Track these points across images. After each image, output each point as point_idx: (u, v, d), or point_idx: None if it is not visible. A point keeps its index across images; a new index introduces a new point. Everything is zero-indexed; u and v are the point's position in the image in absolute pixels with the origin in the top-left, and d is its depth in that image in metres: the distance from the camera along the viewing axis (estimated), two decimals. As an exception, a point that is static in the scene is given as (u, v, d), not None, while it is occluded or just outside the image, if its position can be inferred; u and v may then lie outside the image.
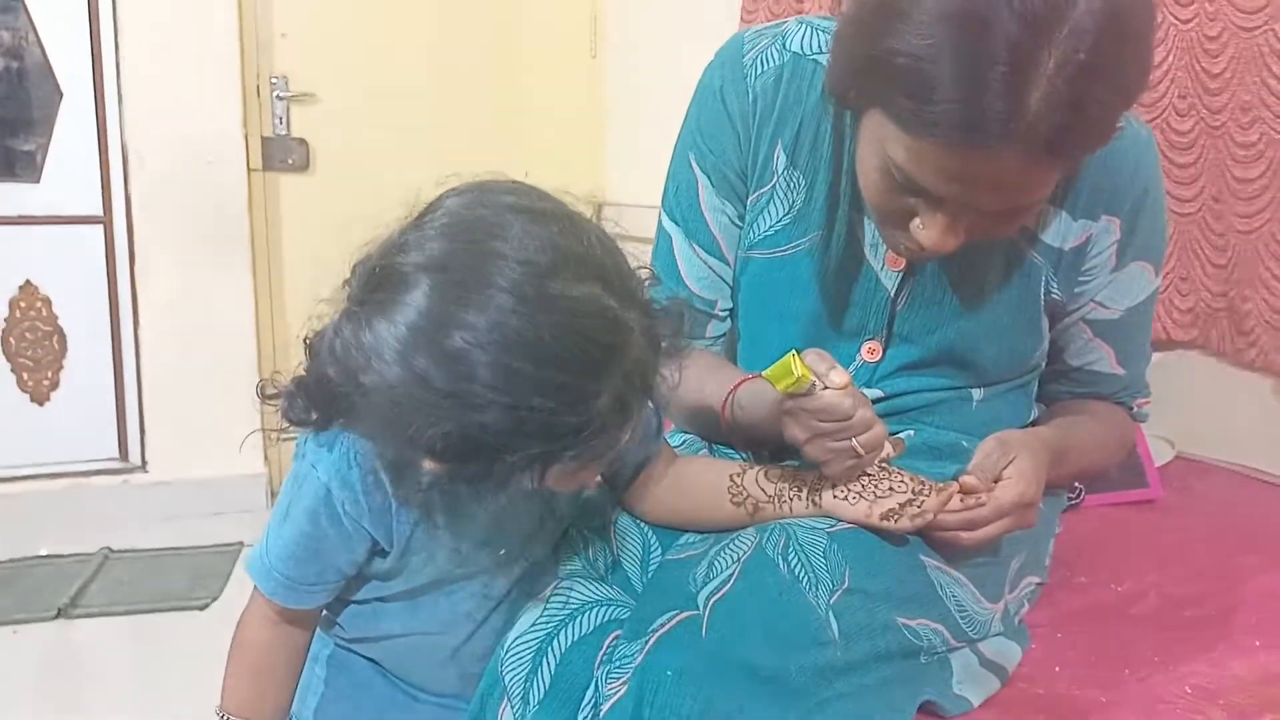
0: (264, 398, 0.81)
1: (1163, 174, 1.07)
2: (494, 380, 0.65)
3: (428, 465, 0.71)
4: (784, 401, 0.87)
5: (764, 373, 0.86)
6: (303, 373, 0.78)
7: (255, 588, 0.89)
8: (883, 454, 0.90)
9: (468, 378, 0.65)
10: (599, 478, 0.89)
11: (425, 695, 0.97)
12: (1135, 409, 1.16)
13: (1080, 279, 1.04)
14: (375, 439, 0.76)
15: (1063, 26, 0.73)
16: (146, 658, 2.04)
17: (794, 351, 0.84)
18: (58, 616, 2.24)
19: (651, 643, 0.79)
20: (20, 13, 2.68)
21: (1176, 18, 1.61)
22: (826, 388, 0.85)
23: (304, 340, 0.77)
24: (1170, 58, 1.62)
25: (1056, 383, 1.15)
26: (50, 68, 2.71)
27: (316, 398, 0.76)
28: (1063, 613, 1.13)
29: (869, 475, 0.92)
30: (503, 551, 0.91)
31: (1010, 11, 0.73)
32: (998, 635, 1.00)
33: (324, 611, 0.94)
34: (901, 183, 0.85)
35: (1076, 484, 1.44)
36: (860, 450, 0.87)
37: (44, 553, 2.59)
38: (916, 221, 0.88)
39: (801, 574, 0.84)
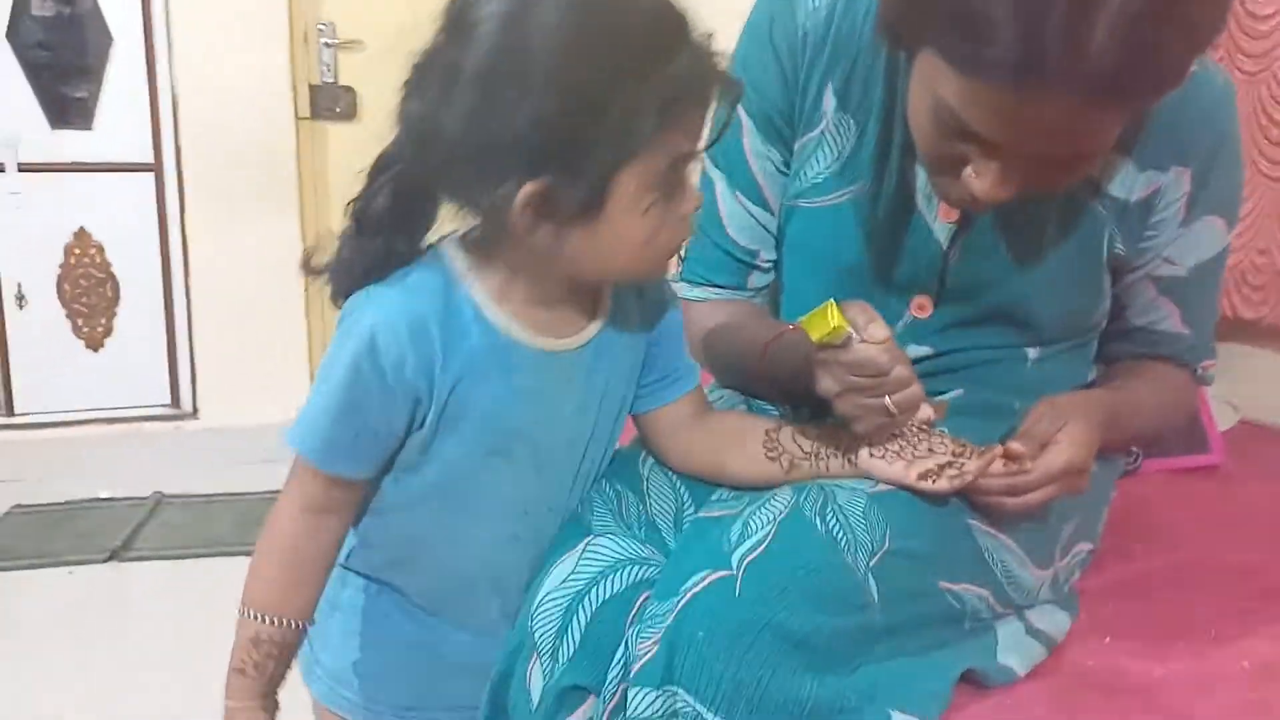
0: (312, 271, 0.83)
1: (1240, 125, 1.01)
2: (578, 39, 0.71)
3: (526, 191, 0.72)
4: (818, 352, 0.84)
5: (800, 320, 0.82)
6: (356, 217, 0.81)
7: (287, 482, 0.86)
8: (921, 416, 0.86)
9: (554, 45, 0.70)
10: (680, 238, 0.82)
11: (463, 634, 0.93)
12: (1200, 371, 1.10)
13: (1146, 233, 0.98)
14: (467, 185, 0.76)
15: None
16: (196, 602, 2.08)
17: (831, 301, 0.81)
18: (110, 559, 2.29)
19: (683, 602, 0.77)
20: (72, -42, 2.69)
21: None
22: (864, 341, 0.81)
23: (369, 172, 0.81)
24: None
25: (1117, 342, 1.10)
26: (101, 13, 2.72)
27: (384, 221, 0.79)
28: (1115, 581, 1.10)
29: (906, 436, 0.88)
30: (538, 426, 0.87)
31: None
32: (1046, 603, 0.97)
33: (359, 529, 0.91)
34: (954, 128, 0.81)
35: (1134, 448, 1.39)
36: (893, 409, 0.83)
37: (101, 495, 2.64)
38: (969, 170, 0.83)
39: (840, 535, 0.81)
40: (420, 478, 0.86)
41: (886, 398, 0.83)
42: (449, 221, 0.82)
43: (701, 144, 0.80)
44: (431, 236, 0.84)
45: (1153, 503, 1.34)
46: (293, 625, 0.87)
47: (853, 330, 0.81)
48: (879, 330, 0.81)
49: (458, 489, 0.87)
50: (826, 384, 0.85)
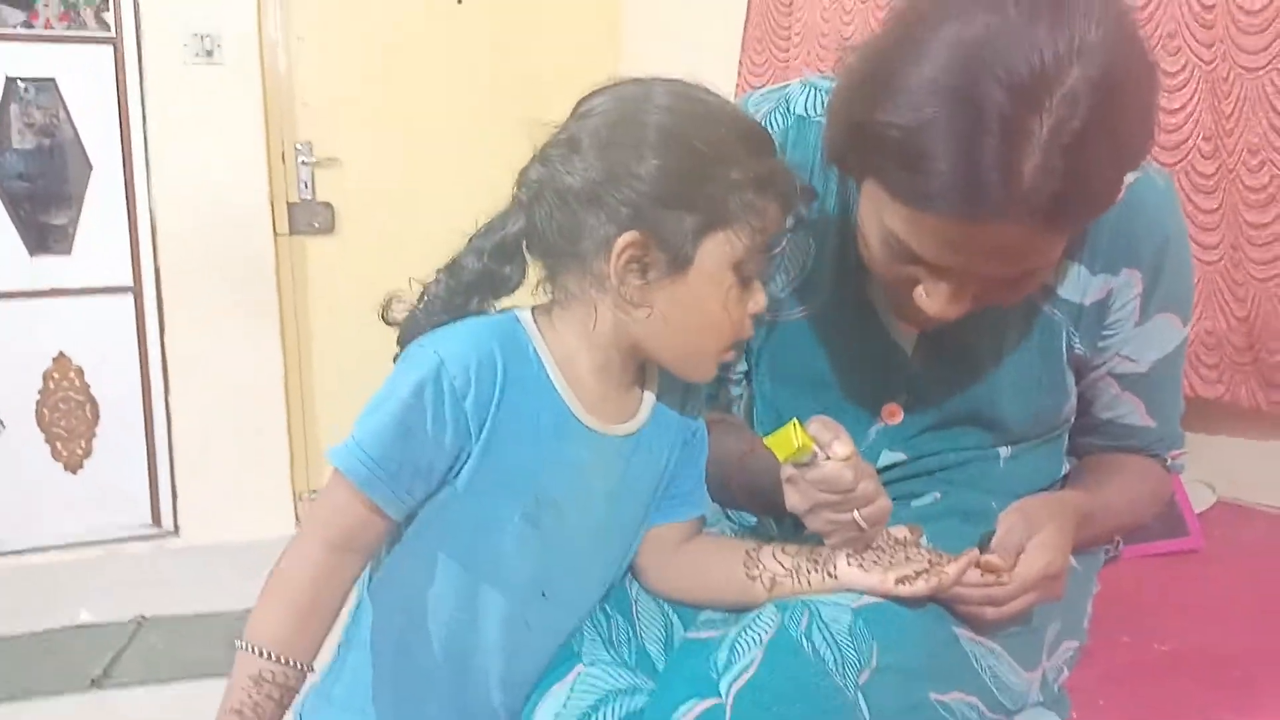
0: (388, 321, 0.90)
1: (1184, 224, 1.05)
2: (687, 119, 0.83)
3: (626, 239, 0.81)
4: (785, 469, 0.86)
5: (765, 440, 0.84)
6: (449, 272, 0.89)
7: (308, 520, 0.85)
8: (896, 537, 0.88)
9: (665, 121, 0.82)
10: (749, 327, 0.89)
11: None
12: (1170, 461, 1.12)
13: (1104, 333, 1.02)
14: (572, 234, 0.84)
15: (1054, 94, 0.72)
16: (180, 729, 2.03)
17: (794, 421, 0.83)
18: (92, 687, 2.24)
19: (673, 734, 0.77)
20: (52, 91, 2.74)
21: (1199, 59, 1.59)
22: (829, 458, 0.83)
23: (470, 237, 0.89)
24: (1194, 100, 1.60)
25: (1086, 436, 1.12)
26: (81, 143, 2.77)
27: (473, 280, 0.88)
28: (1105, 675, 1.10)
29: (883, 547, 0.90)
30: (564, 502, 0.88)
31: (996, 82, 0.72)
32: (1036, 705, 0.97)
33: (371, 589, 0.90)
34: (902, 252, 0.84)
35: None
36: (862, 523, 0.85)
37: (82, 620, 2.59)
38: (920, 289, 0.87)
39: (827, 654, 0.81)
40: (450, 530, 0.86)
41: (855, 512, 0.85)
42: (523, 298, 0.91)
43: (778, 240, 0.87)
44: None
45: (1136, 591, 1.35)
46: (298, 666, 0.84)
47: (817, 448, 0.83)
48: (843, 448, 0.83)
49: (484, 549, 0.87)
50: (794, 500, 0.87)
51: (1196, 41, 1.58)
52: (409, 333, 0.89)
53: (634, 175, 0.81)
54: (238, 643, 0.84)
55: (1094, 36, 0.73)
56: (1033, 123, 0.72)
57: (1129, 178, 0.95)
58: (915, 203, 0.78)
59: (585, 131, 0.84)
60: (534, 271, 0.90)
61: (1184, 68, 1.58)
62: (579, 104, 0.87)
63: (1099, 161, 0.75)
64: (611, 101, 0.85)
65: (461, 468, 0.84)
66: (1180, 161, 1.61)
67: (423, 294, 0.89)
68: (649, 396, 0.93)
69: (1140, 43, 0.79)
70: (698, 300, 0.84)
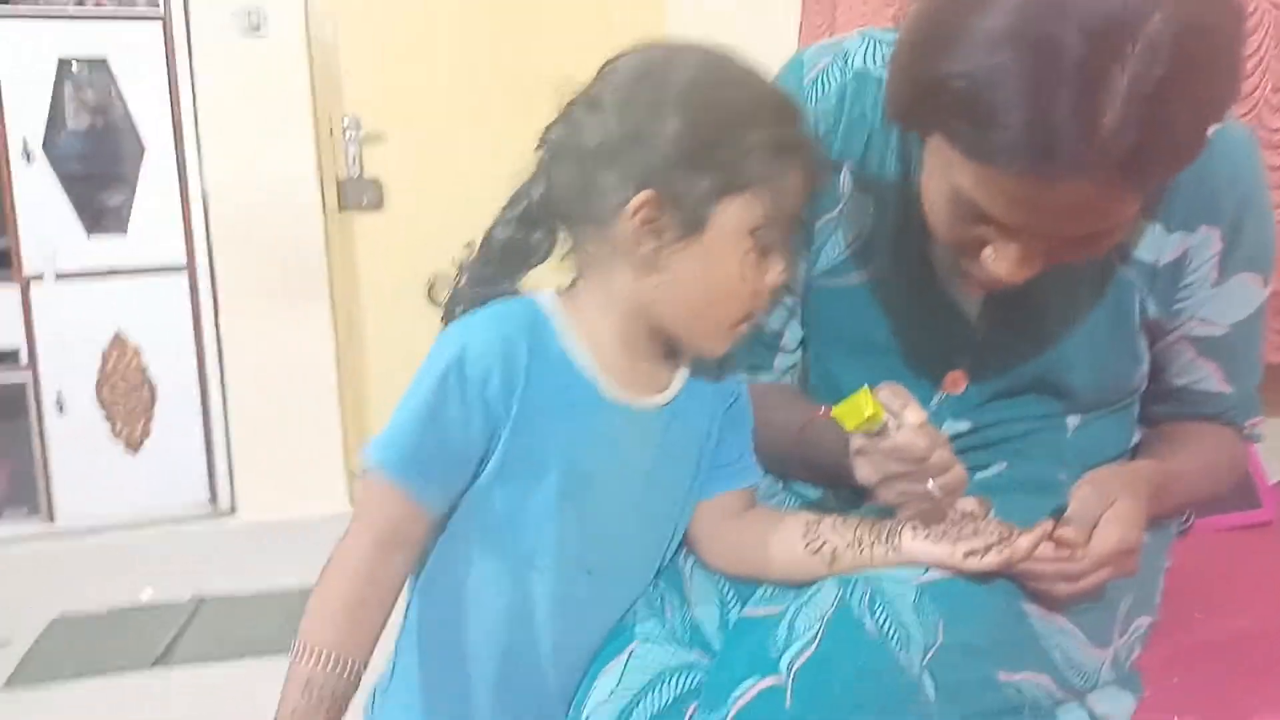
0: (434, 302, 0.90)
1: (1265, 178, 1.00)
2: (711, 81, 0.82)
3: (640, 197, 0.79)
4: (855, 440, 0.82)
5: (833, 410, 0.81)
6: (480, 245, 0.89)
7: (355, 519, 0.84)
8: (965, 509, 0.84)
9: (688, 81, 0.81)
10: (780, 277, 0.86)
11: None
12: (1247, 429, 1.07)
13: (1179, 295, 0.97)
14: (589, 195, 0.83)
15: (1135, 41, 0.68)
16: (240, 706, 2.06)
17: (866, 387, 0.79)
18: (155, 665, 2.28)
19: (732, 715, 0.75)
20: (104, 71, 2.77)
21: (1272, 2, 1.51)
22: (901, 426, 0.80)
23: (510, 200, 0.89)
24: (1263, 48, 1.52)
25: (1159, 403, 1.08)
26: (133, 123, 2.80)
27: (503, 249, 0.88)
28: (1178, 653, 1.06)
29: (951, 520, 0.87)
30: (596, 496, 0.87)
31: (1076, 28, 0.68)
32: (1108, 684, 0.93)
33: (419, 585, 0.90)
34: (970, 212, 0.80)
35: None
36: (936, 492, 0.81)
37: (144, 600, 2.64)
38: (988, 251, 0.83)
39: (891, 631, 0.78)
40: (486, 517, 0.85)
41: (930, 481, 0.81)
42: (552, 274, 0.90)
43: (798, 211, 0.85)
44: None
45: (1208, 565, 1.30)
46: (349, 671, 0.82)
47: (888, 416, 0.80)
48: (915, 414, 0.80)
49: (522, 533, 0.86)
50: (865, 473, 0.84)
51: (1271, -13, 1.51)
52: (451, 311, 0.89)
53: (651, 135, 0.80)
54: (292, 647, 0.83)
55: None
56: (1113, 70, 0.68)
57: (1209, 130, 0.91)
58: (984, 158, 0.74)
59: (606, 90, 0.83)
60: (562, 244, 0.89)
61: (1254, 11, 1.50)
62: (605, 64, 0.86)
63: (1182, 112, 0.71)
64: (636, 62, 0.84)
65: (493, 454, 0.83)
66: (1248, 113, 1.54)
67: (459, 270, 0.89)
68: (682, 369, 0.92)
69: None
70: (713, 266, 0.82)
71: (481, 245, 0.89)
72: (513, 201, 0.88)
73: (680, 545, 0.97)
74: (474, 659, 0.88)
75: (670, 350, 0.90)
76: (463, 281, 0.89)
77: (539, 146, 0.87)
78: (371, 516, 0.84)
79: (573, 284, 0.89)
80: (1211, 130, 0.90)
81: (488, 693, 0.89)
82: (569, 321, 0.86)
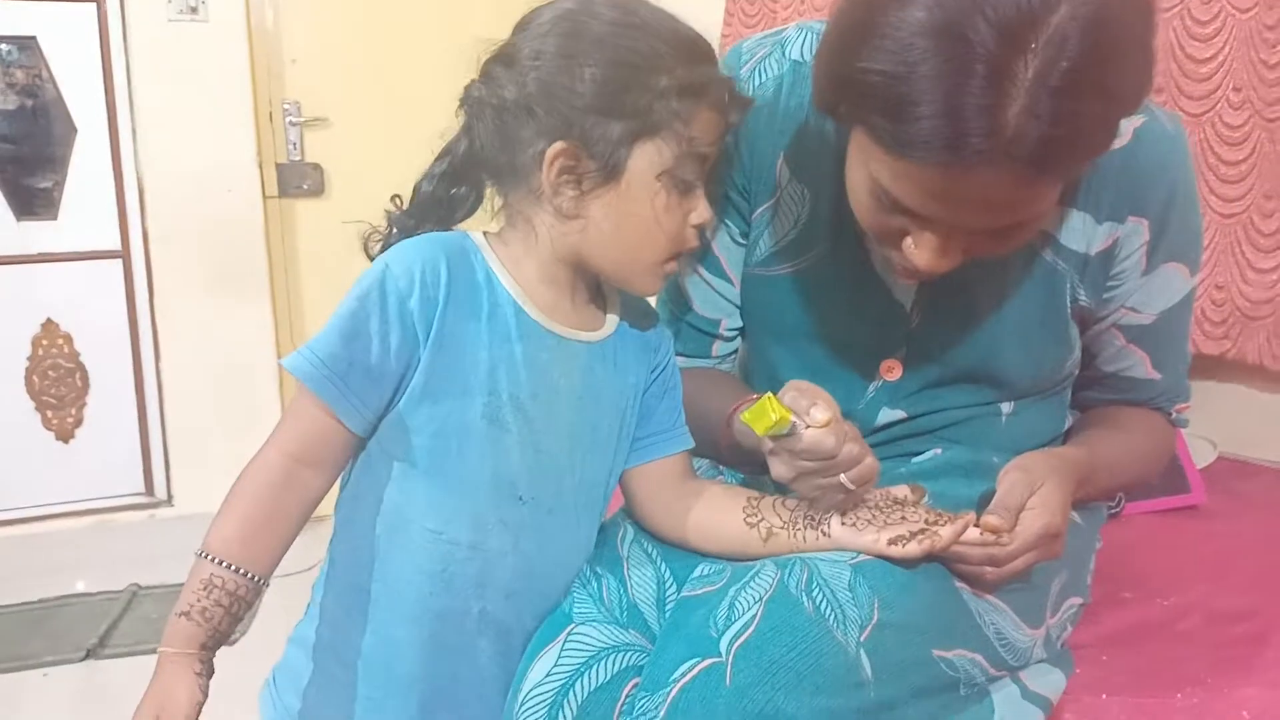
0: (370, 256, 0.91)
1: (1194, 170, 1.02)
2: (620, 31, 0.83)
3: (556, 148, 0.82)
4: (765, 441, 0.83)
5: (742, 416, 0.82)
6: (409, 198, 0.92)
7: (274, 429, 0.86)
8: (896, 497, 0.86)
9: (598, 32, 0.83)
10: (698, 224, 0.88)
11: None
12: (1174, 415, 1.10)
13: (1109, 284, 0.99)
14: (509, 147, 0.85)
15: (1040, 34, 0.69)
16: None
17: (769, 394, 0.80)
18: (86, 657, 2.24)
19: (673, 694, 0.75)
20: (34, 51, 2.69)
21: (1235, 8, 1.56)
22: (809, 426, 0.80)
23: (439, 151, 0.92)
24: (1227, 49, 1.57)
25: (1090, 389, 1.10)
26: (65, 104, 2.72)
27: (428, 203, 0.91)
28: (1108, 632, 1.09)
29: (879, 505, 0.88)
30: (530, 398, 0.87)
31: (985, 21, 0.69)
32: (1040, 662, 0.95)
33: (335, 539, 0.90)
34: (888, 203, 0.82)
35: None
36: (850, 486, 0.83)
37: (78, 590, 2.59)
38: (908, 241, 0.84)
39: (828, 611, 0.79)
40: (412, 439, 0.85)
41: (842, 475, 0.82)
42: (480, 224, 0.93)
43: (712, 148, 0.87)
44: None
45: (1138, 547, 1.33)
46: (249, 577, 0.84)
47: (795, 417, 0.81)
48: (821, 413, 0.81)
49: (449, 454, 0.85)
50: (779, 470, 0.85)
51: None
52: (395, 227, 0.92)
53: (563, 86, 0.82)
54: (195, 550, 0.84)
55: None
56: (1017, 64, 0.69)
57: (1135, 121, 0.93)
58: (898, 150, 0.75)
59: (521, 45, 0.85)
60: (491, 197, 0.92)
61: (1216, 15, 1.55)
62: (521, 19, 0.88)
63: (1089, 104, 0.71)
64: (548, 14, 0.85)
65: (413, 374, 0.84)
66: (1208, 112, 1.59)
67: (388, 222, 0.92)
68: (612, 315, 0.94)
69: None
70: (631, 210, 0.84)
71: (409, 199, 0.92)
72: (439, 157, 0.91)
73: (616, 527, 0.97)
74: (393, 584, 0.87)
75: (597, 293, 0.93)
76: (393, 234, 0.91)
77: (460, 104, 0.89)
78: (287, 431, 0.85)
79: (501, 229, 0.91)
80: (1139, 121, 0.93)
81: (410, 624, 0.87)
82: (496, 254, 0.89)
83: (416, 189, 0.92)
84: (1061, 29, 0.69)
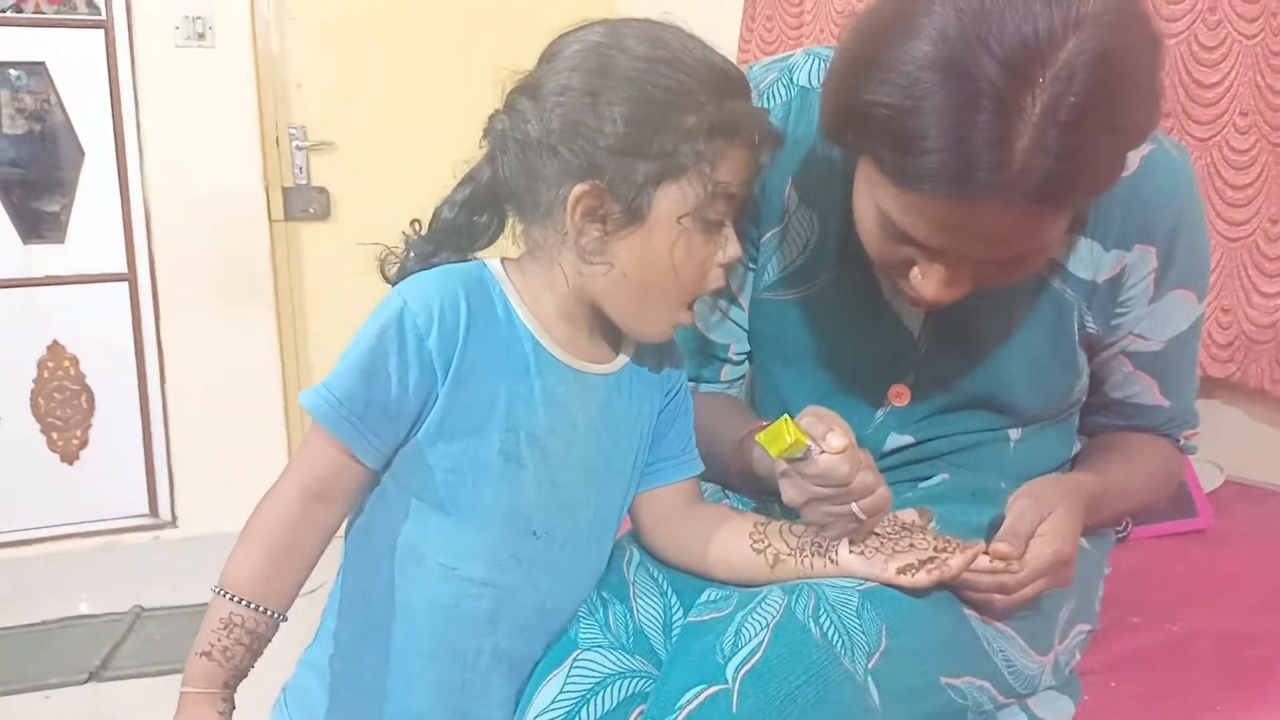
0: (386, 279, 0.90)
1: (1202, 197, 1.03)
2: (649, 67, 0.80)
3: (580, 189, 0.80)
4: (779, 464, 0.83)
5: (758, 437, 0.82)
6: (429, 225, 0.90)
7: (288, 466, 0.85)
8: (905, 521, 0.86)
9: (626, 68, 0.80)
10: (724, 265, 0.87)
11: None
12: (1182, 441, 1.10)
13: (1117, 311, 0.99)
14: (534, 185, 0.84)
15: (1047, 69, 0.69)
16: (178, 720, 2.02)
17: (785, 417, 0.80)
18: (89, 680, 2.23)
19: (679, 721, 0.75)
20: (43, 76, 2.71)
21: (1241, 34, 1.58)
22: (824, 451, 0.80)
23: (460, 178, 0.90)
24: (1233, 73, 1.58)
25: (1098, 415, 1.10)
26: (72, 128, 2.74)
27: (448, 230, 0.89)
28: (1116, 658, 1.08)
29: (886, 533, 0.88)
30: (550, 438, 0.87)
31: (990, 57, 0.69)
32: (1048, 689, 0.95)
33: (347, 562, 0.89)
34: (896, 233, 0.82)
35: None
36: (861, 515, 0.82)
37: (81, 611, 2.58)
38: (916, 271, 0.84)
39: (835, 638, 0.79)
40: (427, 475, 0.85)
41: (853, 504, 0.82)
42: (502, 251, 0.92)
43: (742, 188, 0.85)
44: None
45: (1146, 572, 1.33)
46: (269, 614, 0.83)
47: (811, 442, 0.80)
48: (837, 440, 0.80)
49: (464, 490, 0.85)
50: (790, 495, 0.84)
51: (1238, 15, 1.57)
52: (394, 283, 0.89)
53: (589, 125, 0.80)
54: (212, 587, 0.83)
55: (1092, 7, 0.71)
56: (1025, 98, 0.69)
57: (1142, 151, 0.93)
58: (906, 183, 0.76)
59: (546, 79, 0.83)
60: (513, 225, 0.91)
61: (1223, 41, 1.56)
62: (547, 48, 0.86)
63: (1096, 138, 0.72)
64: (575, 46, 0.83)
65: (431, 410, 0.83)
66: (1214, 136, 1.60)
67: (406, 247, 0.91)
68: (626, 343, 0.93)
69: (1142, 13, 0.76)
70: (655, 253, 0.83)
71: (429, 224, 0.90)
72: (461, 184, 0.89)
73: (622, 551, 0.97)
74: (406, 619, 0.87)
75: (612, 330, 0.91)
76: (410, 258, 0.90)
77: (484, 135, 0.87)
78: (303, 466, 0.84)
79: (520, 257, 0.90)
80: (1145, 150, 0.93)
81: (422, 658, 0.87)
82: (514, 286, 0.87)
83: (437, 214, 0.90)
84: (1069, 64, 0.69)
